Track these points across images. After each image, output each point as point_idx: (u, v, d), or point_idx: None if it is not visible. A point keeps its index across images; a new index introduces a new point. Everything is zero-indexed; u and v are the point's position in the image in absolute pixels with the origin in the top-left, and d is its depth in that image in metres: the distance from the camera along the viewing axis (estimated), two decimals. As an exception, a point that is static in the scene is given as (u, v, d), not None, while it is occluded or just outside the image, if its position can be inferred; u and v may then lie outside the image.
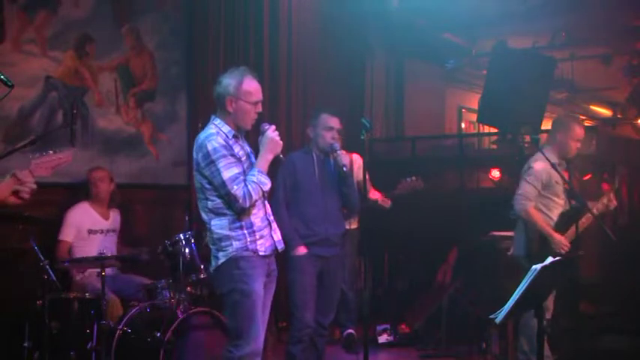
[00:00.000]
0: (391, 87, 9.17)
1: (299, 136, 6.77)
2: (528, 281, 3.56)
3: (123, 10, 5.97)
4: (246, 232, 3.76)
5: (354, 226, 5.94)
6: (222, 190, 3.68)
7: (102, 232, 5.31)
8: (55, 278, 4.50)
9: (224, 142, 3.71)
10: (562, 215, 5.07)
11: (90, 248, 5.11)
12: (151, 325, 4.58)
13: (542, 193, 5.06)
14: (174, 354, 4.47)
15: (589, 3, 7.51)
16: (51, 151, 3.51)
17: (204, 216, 3.82)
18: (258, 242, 3.79)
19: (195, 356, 4.57)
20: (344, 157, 4.73)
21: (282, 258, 4.77)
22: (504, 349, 5.74)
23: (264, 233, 3.84)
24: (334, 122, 4.81)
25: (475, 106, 9.33)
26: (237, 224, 3.74)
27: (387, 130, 9.03)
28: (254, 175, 3.73)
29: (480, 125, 9.25)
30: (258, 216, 3.83)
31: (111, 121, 5.90)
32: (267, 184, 3.79)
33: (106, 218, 5.38)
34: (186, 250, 4.85)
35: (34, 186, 3.33)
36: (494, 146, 8.34)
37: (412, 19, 8.13)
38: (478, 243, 6.34)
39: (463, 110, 11.14)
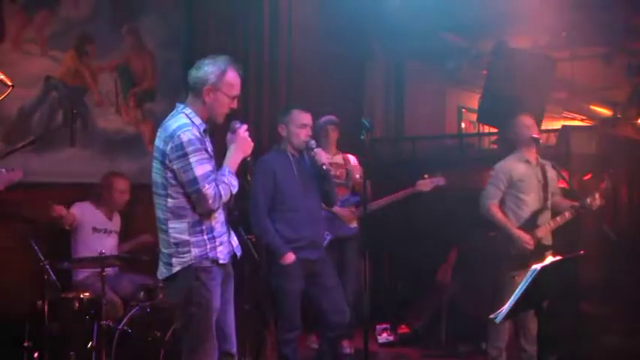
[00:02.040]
0: (391, 87, 9.17)
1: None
2: (528, 281, 3.56)
3: (123, 10, 5.97)
4: (206, 237, 3.48)
5: (354, 224, 5.88)
6: (190, 188, 3.39)
7: (105, 231, 5.32)
8: (55, 278, 4.50)
9: (199, 135, 3.43)
10: (533, 214, 5.12)
11: (93, 247, 5.11)
12: (151, 325, 4.58)
13: (510, 191, 5.16)
14: (174, 354, 4.47)
15: (589, 3, 7.51)
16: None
17: (160, 215, 3.52)
18: (218, 249, 3.53)
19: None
20: (322, 154, 4.66)
21: (269, 263, 4.75)
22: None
23: (223, 239, 3.58)
24: (307, 118, 4.69)
25: (475, 106, 9.32)
26: (198, 228, 3.46)
27: (387, 131, 9.03)
28: (224, 176, 3.48)
29: (480, 125, 9.25)
30: (219, 220, 3.56)
31: (111, 121, 5.90)
32: (236, 187, 3.54)
33: (110, 219, 5.39)
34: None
35: None
36: (495, 146, 8.34)
37: (412, 19, 8.12)
38: (478, 243, 6.34)
39: (463, 110, 11.13)
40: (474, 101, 9.95)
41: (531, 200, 5.14)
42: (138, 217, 5.74)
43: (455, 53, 9.34)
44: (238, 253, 3.74)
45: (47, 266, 4.47)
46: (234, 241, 3.73)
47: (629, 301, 6.21)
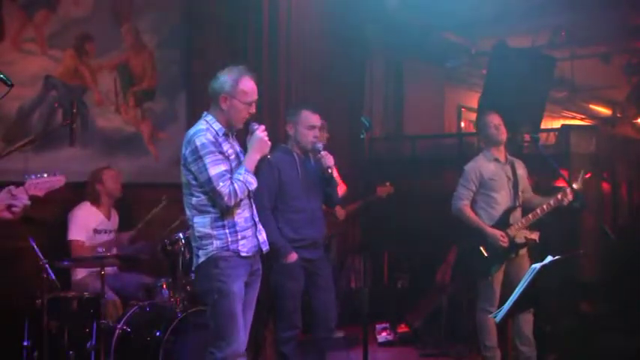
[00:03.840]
0: (391, 86, 9.16)
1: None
2: (527, 280, 3.56)
3: (123, 9, 5.97)
4: (227, 231, 3.74)
5: None
6: (207, 187, 3.66)
7: (106, 231, 5.32)
8: (54, 277, 4.50)
9: (213, 139, 3.70)
10: (505, 212, 5.13)
11: (96, 247, 5.10)
12: (150, 324, 4.58)
13: (481, 191, 5.19)
14: (174, 353, 4.47)
15: (589, 2, 7.51)
16: (45, 174, 3.59)
17: (187, 212, 3.82)
18: (240, 242, 3.76)
19: (195, 355, 4.56)
20: (328, 158, 4.62)
21: (267, 261, 4.77)
22: (504, 348, 5.74)
23: (247, 234, 3.81)
24: (316, 120, 4.68)
25: (475, 105, 9.31)
26: (220, 223, 3.73)
27: (386, 130, 9.03)
28: (241, 174, 3.71)
29: (480, 124, 9.23)
30: (243, 216, 3.80)
31: (110, 120, 5.89)
32: (253, 184, 3.77)
33: (109, 218, 5.39)
34: (186, 250, 4.84)
35: (28, 202, 3.38)
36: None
37: (412, 19, 8.13)
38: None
39: (463, 109, 11.13)
40: (473, 100, 9.94)
41: (502, 198, 5.15)
42: (137, 217, 5.74)
43: (455, 52, 9.34)
44: (264, 249, 3.94)
45: (47, 265, 4.46)
46: (262, 236, 3.93)
47: (629, 301, 6.21)
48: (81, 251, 5.09)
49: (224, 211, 3.71)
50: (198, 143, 3.66)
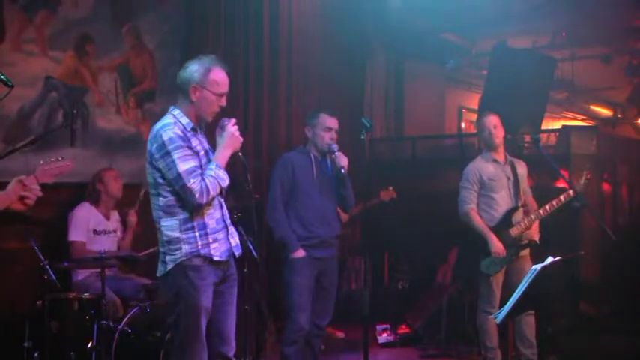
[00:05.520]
0: (391, 87, 9.17)
1: (299, 136, 6.76)
2: (528, 281, 3.57)
3: (123, 9, 5.96)
4: (197, 234, 3.49)
5: None
6: (177, 184, 3.43)
7: (105, 232, 5.32)
8: (55, 278, 4.50)
9: (181, 134, 3.48)
10: (507, 212, 5.13)
11: (95, 248, 5.10)
12: (151, 325, 4.58)
13: (481, 192, 5.18)
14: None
15: (589, 3, 7.51)
16: (52, 159, 3.56)
17: (154, 214, 3.57)
18: (212, 246, 3.52)
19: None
20: (342, 158, 4.70)
21: (279, 259, 4.80)
22: (504, 349, 5.74)
23: (218, 237, 3.57)
24: (333, 123, 4.79)
25: (475, 106, 9.33)
26: (189, 225, 3.48)
27: (387, 130, 9.03)
28: (212, 170, 3.48)
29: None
30: (213, 217, 3.57)
31: (111, 121, 5.89)
32: (225, 180, 3.53)
33: (108, 219, 5.38)
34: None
35: (40, 193, 3.35)
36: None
37: (412, 19, 8.13)
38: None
39: (463, 110, 11.14)
40: (474, 101, 9.96)
41: (502, 199, 5.14)
42: (137, 217, 5.75)
43: (455, 53, 9.35)
44: (237, 252, 3.70)
45: (47, 266, 4.46)
46: (234, 239, 3.70)
47: (629, 301, 6.22)
48: (81, 252, 5.09)
49: (194, 212, 3.47)
50: (165, 138, 3.45)
